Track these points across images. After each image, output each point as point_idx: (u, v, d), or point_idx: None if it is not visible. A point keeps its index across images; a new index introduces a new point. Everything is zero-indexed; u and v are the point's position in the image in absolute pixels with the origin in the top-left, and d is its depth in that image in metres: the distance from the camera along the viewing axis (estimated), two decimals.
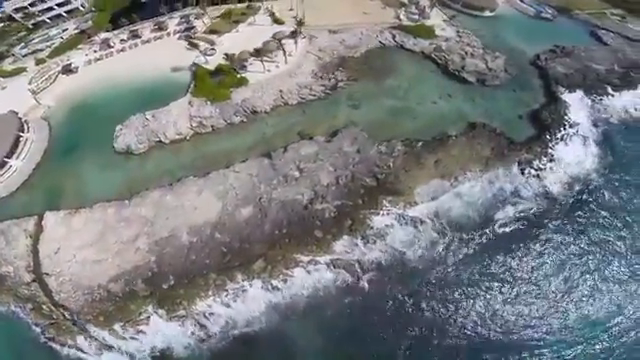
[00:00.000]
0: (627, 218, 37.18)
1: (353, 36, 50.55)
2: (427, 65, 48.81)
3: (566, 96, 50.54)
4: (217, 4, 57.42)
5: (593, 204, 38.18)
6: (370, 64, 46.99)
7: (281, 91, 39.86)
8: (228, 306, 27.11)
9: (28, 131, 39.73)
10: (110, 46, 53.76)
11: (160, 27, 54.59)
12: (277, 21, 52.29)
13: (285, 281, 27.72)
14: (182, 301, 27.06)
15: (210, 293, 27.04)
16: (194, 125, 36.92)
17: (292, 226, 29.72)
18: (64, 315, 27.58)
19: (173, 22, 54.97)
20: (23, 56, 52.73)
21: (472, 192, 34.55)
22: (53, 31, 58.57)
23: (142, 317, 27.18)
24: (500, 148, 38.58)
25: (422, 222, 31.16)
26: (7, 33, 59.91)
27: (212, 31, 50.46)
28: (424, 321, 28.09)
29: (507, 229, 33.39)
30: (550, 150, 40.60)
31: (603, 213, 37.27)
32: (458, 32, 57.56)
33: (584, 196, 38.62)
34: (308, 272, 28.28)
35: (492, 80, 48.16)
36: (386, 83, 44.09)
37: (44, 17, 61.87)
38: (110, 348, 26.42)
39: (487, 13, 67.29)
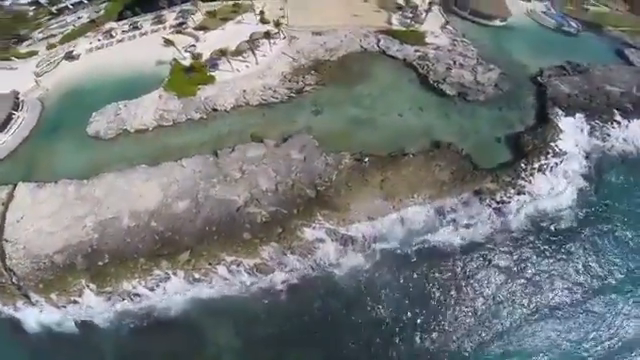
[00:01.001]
0: (586, 272, 31.37)
1: (335, 39, 47.44)
2: (406, 74, 44.47)
3: (561, 120, 44.12)
4: (211, 0, 55.46)
5: (553, 248, 32.63)
6: (345, 69, 43.79)
7: (244, 91, 38.62)
8: (151, 290, 27.66)
9: (22, 110, 42.08)
10: (112, 36, 55.11)
11: (160, 20, 55.06)
12: (263, 21, 50.04)
13: (206, 275, 27.56)
14: (111, 279, 27.87)
15: (137, 276, 27.63)
16: (157, 117, 37.08)
17: (222, 225, 29.22)
18: (11, 279, 29.17)
19: (172, 16, 54.94)
20: (39, 40, 55.91)
21: (416, 218, 31.04)
22: (69, 18, 61.37)
23: (76, 289, 28.32)
24: (461, 173, 34.22)
25: (354, 242, 29.24)
26: (32, 17, 62.68)
27: (201, 27, 49.83)
28: (333, 338, 26.64)
29: (448, 262, 30.08)
30: (521, 181, 35.36)
31: (560, 260, 31.78)
32: (454, 40, 52.06)
33: (546, 236, 33.20)
34: (230, 271, 27.85)
35: (476, 95, 42.90)
36: (356, 90, 40.89)
37: (67, 3, 64.92)
38: (43, 313, 27.75)
39: (497, 23, 60.31)
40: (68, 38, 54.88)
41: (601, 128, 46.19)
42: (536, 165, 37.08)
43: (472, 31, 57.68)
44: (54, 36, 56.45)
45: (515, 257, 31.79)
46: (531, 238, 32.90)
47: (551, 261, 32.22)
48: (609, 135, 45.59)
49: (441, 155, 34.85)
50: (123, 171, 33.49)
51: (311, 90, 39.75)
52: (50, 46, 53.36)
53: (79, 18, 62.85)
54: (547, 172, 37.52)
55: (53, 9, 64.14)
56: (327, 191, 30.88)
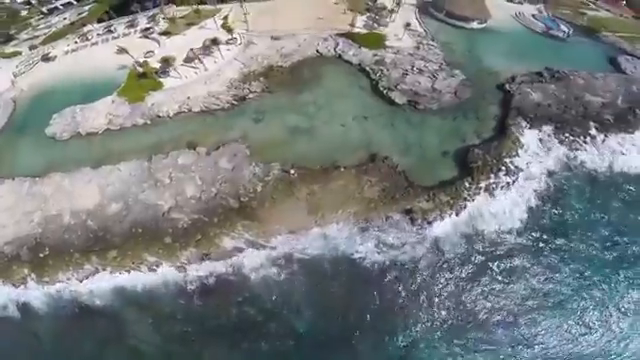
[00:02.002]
0: (514, 304, 28.15)
1: (293, 44, 44.79)
2: (358, 80, 41.45)
3: (523, 132, 39.49)
4: (182, 4, 53.61)
5: (483, 272, 29.53)
6: (296, 75, 41.27)
7: (189, 98, 37.47)
8: (81, 281, 28.68)
9: None
10: (87, 39, 56.54)
11: (132, 24, 53.92)
12: (224, 26, 47.92)
13: (130, 273, 28.20)
14: (49, 270, 29.05)
15: (71, 268, 28.77)
16: (106, 122, 36.79)
17: (147, 228, 29.41)
18: None
19: (143, 21, 53.75)
20: (24, 40, 56.82)
21: (339, 234, 29.23)
22: (54, 19, 62.30)
23: (19, 277, 29.44)
24: (393, 190, 31.44)
25: (272, 252, 28.27)
26: (25, 17, 63.18)
27: (165, 32, 48.44)
28: (243, 342, 26.17)
29: (367, 279, 28.14)
30: (462, 201, 32.04)
31: (487, 286, 28.78)
32: (419, 43, 47.70)
33: (480, 259, 29.98)
34: (151, 270, 28.15)
35: (428, 103, 39.13)
36: (301, 97, 38.51)
37: (57, 4, 65.06)
38: None
39: (474, 25, 55.02)
40: (49, 39, 55.13)
41: (571, 143, 41.31)
42: (483, 184, 33.51)
43: (445, 34, 53.59)
44: (37, 37, 59.21)
45: (441, 279, 29.11)
46: (462, 260, 29.89)
47: (478, 286, 29.16)
48: (579, 151, 40.71)
49: (374, 170, 32.33)
50: (70, 172, 33.91)
51: (255, 97, 38.09)
52: (32, 47, 53.84)
53: (64, 19, 64.36)
54: (496, 191, 33.82)
55: (44, 9, 65.53)
56: (250, 202, 29.86)
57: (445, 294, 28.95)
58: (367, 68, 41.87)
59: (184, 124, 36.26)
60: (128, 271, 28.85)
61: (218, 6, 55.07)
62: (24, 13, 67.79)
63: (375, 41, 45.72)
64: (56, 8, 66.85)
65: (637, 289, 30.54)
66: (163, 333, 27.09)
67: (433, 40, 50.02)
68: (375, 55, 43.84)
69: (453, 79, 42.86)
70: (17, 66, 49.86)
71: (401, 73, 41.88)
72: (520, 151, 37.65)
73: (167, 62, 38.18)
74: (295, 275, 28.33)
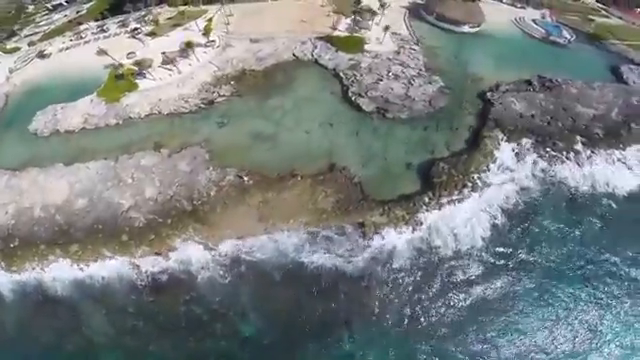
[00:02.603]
0: (460, 324, 26.65)
1: (271, 47, 43.78)
2: (331, 85, 39.90)
3: (499, 145, 36.66)
4: (168, 4, 53.71)
5: (433, 288, 28.20)
6: (268, 79, 40.30)
7: (160, 100, 37.51)
8: (43, 271, 29.71)
9: None
10: (82, 37, 58.09)
11: (124, 24, 54.35)
12: (206, 28, 47.38)
13: (88, 266, 29.07)
14: (17, 260, 30.22)
15: (36, 259, 29.86)
16: (83, 121, 37.40)
17: (107, 225, 30.08)
18: None
19: (134, 21, 53.46)
20: (25, 37, 58.70)
21: (288, 242, 28.60)
22: (56, 16, 63.70)
23: None
24: (347, 202, 30.12)
25: (220, 255, 28.38)
26: (29, 13, 65.39)
27: (151, 33, 48.47)
28: (187, 338, 26.47)
29: (311, 288, 27.47)
30: (420, 217, 30.19)
31: (435, 302, 27.50)
32: (401, 48, 45.45)
33: (432, 277, 28.60)
34: (108, 265, 28.81)
35: (398, 112, 37.13)
36: (269, 102, 37.59)
37: (61, 0, 68.21)
38: None
39: (466, 29, 52.14)
40: (47, 36, 56.56)
41: (551, 158, 37.96)
42: (445, 200, 31.45)
43: (433, 38, 50.97)
44: (38, 33, 60.81)
45: (386, 292, 27.91)
46: (411, 275, 28.49)
47: (422, 301, 27.79)
48: (560, 167, 37.43)
49: (331, 180, 31.12)
50: (45, 167, 34.82)
51: (224, 101, 37.59)
52: (31, 43, 55.29)
53: (65, 16, 66.31)
54: (458, 208, 31.66)
55: (49, 5, 67.36)
56: (202, 206, 29.73)
57: (389, 307, 27.62)
58: (341, 73, 40.26)
59: (153, 126, 36.37)
60: (87, 264, 29.58)
61: (205, 7, 54.60)
62: (31, 8, 70.92)
63: (354, 45, 43.98)
64: (60, 4, 68.93)
65: (598, 317, 28.27)
66: (115, 325, 27.54)
67: (417, 44, 47.85)
68: (351, 59, 42.21)
69: (430, 86, 40.53)
70: (15, 62, 52.33)
71: (375, 79, 40.07)
72: (492, 166, 35.12)
73: (140, 65, 38.66)
74: (241, 278, 28.02)
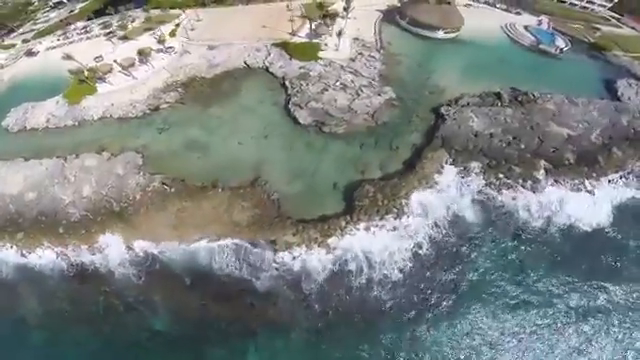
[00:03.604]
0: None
1: (225, 54, 44.29)
2: (275, 95, 39.58)
3: (442, 168, 34.70)
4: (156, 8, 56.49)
5: (336, 314, 28.44)
6: (214, 87, 40.92)
7: (112, 104, 39.91)
8: None
9: None
10: (67, 37, 64.37)
11: (106, 26, 57.65)
12: (170, 33, 49.40)
13: (30, 253, 32.91)
14: None
15: None
16: (46, 121, 41.04)
17: (49, 217, 33.38)
18: None
19: (115, 23, 56.53)
20: (22, 34, 63.20)
21: (199, 250, 30.25)
22: (53, 14, 68.67)
23: None
24: (262, 218, 30.35)
25: (137, 255, 31.22)
26: (31, 10, 70.82)
27: (124, 37, 51.39)
28: (104, 326, 29.40)
29: (217, 297, 29.17)
30: (333, 241, 29.89)
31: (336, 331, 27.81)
32: (359, 54, 43.97)
33: (338, 304, 28.78)
34: (45, 254, 32.82)
35: (336, 126, 36.03)
36: (209, 111, 38.30)
37: None
38: None
39: (440, 34, 49.82)
40: (40, 35, 60.59)
41: (502, 186, 34.95)
42: (363, 225, 30.44)
43: (402, 44, 49.12)
44: (33, 31, 64.48)
45: (294, 312, 28.60)
46: (316, 298, 28.93)
47: (329, 326, 28.21)
48: (511, 197, 34.54)
49: (250, 195, 31.38)
50: (7, 161, 38.58)
51: (168, 108, 39.00)
52: (25, 40, 59.53)
53: (61, 14, 73.26)
54: (378, 234, 30.72)
55: (50, 3, 72.47)
56: (128, 208, 31.72)
57: (293, 325, 28.08)
58: (287, 82, 39.74)
59: (102, 129, 38.64)
60: (29, 251, 32.95)
61: (179, 12, 56.10)
62: (36, 4, 78.64)
63: (308, 52, 43.11)
64: (61, 2, 73.13)
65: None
66: (43, 307, 30.93)
67: (380, 51, 46.21)
68: (302, 68, 41.35)
69: (378, 98, 38.73)
70: (6, 58, 58.22)
71: (321, 89, 38.90)
72: (428, 191, 33.17)
73: (97, 70, 41.63)
74: (154, 278, 29.99)
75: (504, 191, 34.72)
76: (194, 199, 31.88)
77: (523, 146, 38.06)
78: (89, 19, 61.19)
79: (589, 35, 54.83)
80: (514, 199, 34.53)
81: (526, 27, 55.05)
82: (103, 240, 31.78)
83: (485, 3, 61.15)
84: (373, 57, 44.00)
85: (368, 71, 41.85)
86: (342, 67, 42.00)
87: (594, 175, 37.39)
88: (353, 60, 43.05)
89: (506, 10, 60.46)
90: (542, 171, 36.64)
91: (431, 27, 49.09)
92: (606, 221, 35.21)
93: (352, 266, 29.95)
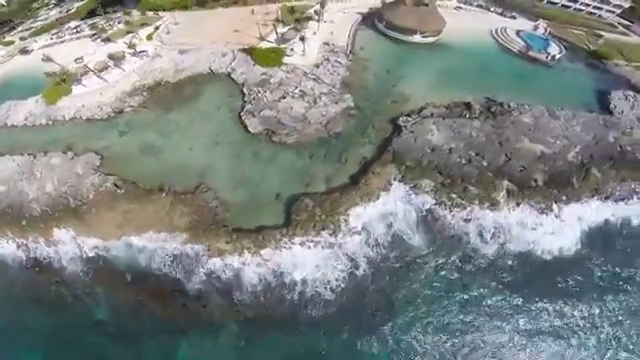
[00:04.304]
0: None
1: (193, 58, 47.12)
2: (232, 102, 41.81)
3: (389, 185, 35.02)
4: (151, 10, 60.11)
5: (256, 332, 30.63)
6: (178, 92, 43.80)
7: (83, 106, 43.83)
8: None
9: None
10: (59, 36, 71.80)
11: (94, 27, 61.99)
12: (148, 37, 53.27)
13: None
14: None
15: None
16: (24, 119, 45.34)
17: (14, 210, 37.31)
18: None
19: (102, 24, 60.98)
20: (21, 31, 69.22)
21: (139, 250, 33.67)
22: (52, 12, 75.99)
23: None
24: (200, 224, 33.02)
25: (85, 251, 34.84)
26: (34, 7, 77.32)
27: (106, 38, 55.80)
28: (53, 313, 33.18)
29: (155, 292, 32.33)
30: (267, 252, 31.74)
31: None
32: (325, 60, 45.30)
33: (272, 321, 30.65)
34: (7, 244, 37.10)
35: (287, 135, 37.56)
36: (168, 116, 41.20)
37: None
38: None
39: (417, 38, 50.40)
40: (36, 33, 66.37)
41: (453, 207, 34.63)
42: (298, 239, 31.92)
43: (376, 48, 50.16)
44: (32, 29, 71.84)
45: (221, 317, 31.15)
46: (247, 308, 31.15)
47: (252, 338, 30.47)
48: (463, 220, 34.13)
49: (190, 200, 33.82)
50: None
51: (131, 111, 42.43)
52: (22, 38, 65.20)
53: (60, 12, 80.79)
54: (313, 250, 32.13)
55: (53, 0, 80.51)
56: (82, 206, 35.34)
57: (220, 329, 30.98)
58: (245, 89, 41.81)
59: (72, 129, 42.61)
60: None
61: (161, 15, 60.07)
62: (39, 0, 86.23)
63: (273, 57, 44.85)
64: (62, 0, 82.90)
65: None
66: (4, 293, 35.32)
67: (350, 55, 47.29)
68: (264, 74, 43.17)
69: (335, 106, 39.89)
70: (3, 56, 64.09)
71: (278, 96, 40.53)
72: (371, 208, 33.90)
73: (68, 74, 46.02)
74: (99, 273, 33.67)
75: (456, 212, 34.66)
76: (140, 201, 35.02)
77: (486, 164, 37.70)
78: (82, 19, 66.72)
79: (590, 42, 52.51)
80: (466, 222, 34.41)
81: (518, 32, 53.63)
82: (58, 235, 35.69)
83: (478, 6, 60.05)
84: (339, 63, 45.19)
85: (330, 78, 43.09)
86: (305, 73, 43.48)
87: (564, 198, 36.56)
88: (317, 66, 44.47)
89: (500, 14, 59.18)
90: (503, 192, 36.21)
91: (408, 31, 49.38)
92: (570, 249, 34.59)
93: (284, 280, 31.58)
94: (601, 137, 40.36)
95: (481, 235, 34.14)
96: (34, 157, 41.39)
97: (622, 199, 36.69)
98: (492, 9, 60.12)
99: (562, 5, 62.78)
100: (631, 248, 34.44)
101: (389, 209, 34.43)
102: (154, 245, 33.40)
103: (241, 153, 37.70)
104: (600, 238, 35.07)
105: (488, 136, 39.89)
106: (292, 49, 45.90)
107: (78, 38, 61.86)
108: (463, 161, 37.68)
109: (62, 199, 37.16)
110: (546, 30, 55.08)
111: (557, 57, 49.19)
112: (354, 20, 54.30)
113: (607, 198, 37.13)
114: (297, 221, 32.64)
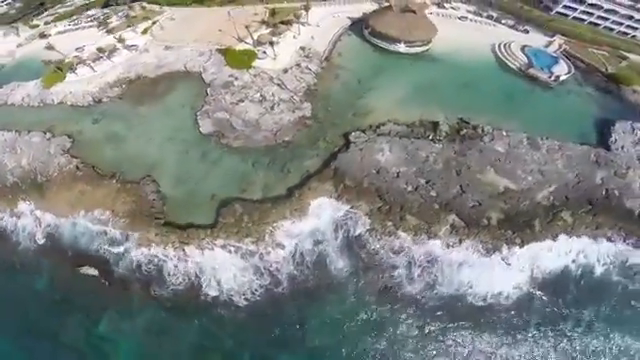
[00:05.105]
0: None
1: (174, 55, 52.47)
2: (197, 101, 45.97)
3: (322, 204, 36.19)
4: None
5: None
6: (153, 87, 49.11)
7: (70, 92, 50.88)
8: None
9: None
10: (76, 24, 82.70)
11: (108, 16, 72.32)
12: (144, 31, 59.60)
13: None
14: None
15: None
16: (21, 99, 53.37)
17: None
18: None
19: (114, 15, 71.10)
20: (48, 15, 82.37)
21: (84, 230, 39.11)
22: (76, 0, 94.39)
23: None
24: (137, 214, 37.89)
25: (41, 225, 40.97)
26: None
27: (110, 30, 63.94)
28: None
29: (87, 277, 37.33)
30: (189, 250, 35.45)
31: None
32: (295, 66, 47.87)
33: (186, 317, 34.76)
34: None
35: (234, 139, 40.82)
36: (138, 109, 46.49)
37: None
38: None
39: (401, 48, 50.93)
40: (58, 18, 77.68)
41: (389, 236, 35.04)
42: (220, 242, 34.95)
43: (356, 56, 51.81)
44: (56, 14, 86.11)
45: (139, 309, 35.75)
46: (166, 301, 35.19)
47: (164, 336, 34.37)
48: (394, 250, 34.53)
49: (134, 190, 38.59)
50: None
51: (108, 101, 48.79)
52: (46, 23, 77.10)
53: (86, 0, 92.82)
54: (230, 256, 35.08)
55: None
56: (46, 183, 41.72)
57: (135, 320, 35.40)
58: (208, 90, 45.83)
59: (57, 112, 49.72)
60: None
61: (165, 9, 67.23)
62: None
63: (244, 59, 48.32)
64: None
65: None
66: None
67: (324, 62, 49.58)
68: (231, 76, 46.81)
69: (291, 114, 42.21)
70: (26, 38, 76.90)
71: (238, 99, 43.85)
72: (300, 224, 35.80)
73: (61, 63, 54.40)
74: (46, 246, 39.98)
75: (387, 242, 35.19)
76: (93, 185, 40.58)
77: (434, 194, 37.45)
78: (103, 7, 76.95)
79: (610, 64, 48.68)
80: (395, 253, 34.80)
81: (523, 47, 51.51)
82: (21, 206, 42.34)
83: (488, 17, 58.26)
84: (309, 69, 47.52)
85: (294, 84, 45.56)
86: (271, 78, 46.46)
87: (518, 241, 35.38)
88: (286, 71, 47.19)
89: (512, 27, 56.84)
90: (447, 227, 35.90)
91: (391, 39, 49.98)
92: (509, 298, 33.68)
93: (201, 278, 35.02)
94: (586, 176, 37.98)
95: (409, 270, 34.31)
96: (19, 134, 49.32)
97: (590, 246, 35.00)
98: (503, 21, 58.03)
99: (590, 22, 58.52)
100: (584, 304, 32.54)
101: (318, 228, 35.83)
102: (95, 227, 38.58)
103: (190, 151, 41.68)
104: (550, 289, 33.64)
105: (447, 163, 39.54)
106: (264, 52, 48.98)
107: (91, 27, 71.31)
108: (409, 188, 37.68)
109: (31, 174, 44.07)
110: (560, 47, 52.12)
111: (562, 78, 46.48)
112: (342, 25, 56.14)
113: (572, 244, 35.12)
114: (222, 224, 35.55)
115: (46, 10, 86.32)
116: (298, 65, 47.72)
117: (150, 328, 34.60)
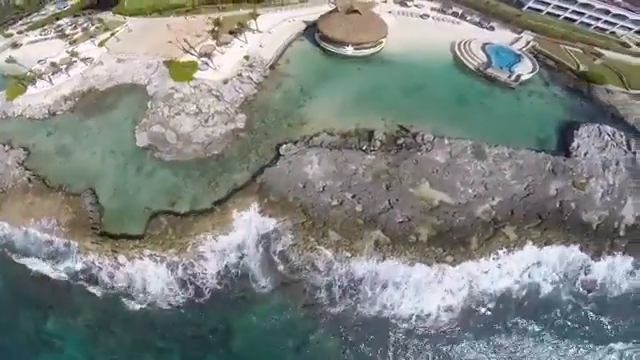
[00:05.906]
0: None
1: (124, 68, 56.97)
2: (138, 114, 50.38)
3: (245, 218, 39.69)
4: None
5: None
6: (102, 100, 54.21)
7: (29, 106, 56.32)
8: None
9: None
10: (46, 34, 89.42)
11: (75, 26, 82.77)
12: (100, 43, 65.39)
13: None
14: None
15: None
16: None
17: None
18: None
19: (81, 25, 77.75)
20: (21, 25, 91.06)
21: (33, 236, 44.84)
22: (50, 8, 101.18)
23: None
24: (77, 224, 42.80)
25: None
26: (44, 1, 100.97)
27: (73, 41, 70.09)
28: None
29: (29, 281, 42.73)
30: (120, 258, 40.33)
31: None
32: (237, 76, 51.15)
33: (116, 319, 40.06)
34: None
35: (167, 153, 44.87)
36: (86, 122, 51.81)
37: None
38: None
39: (349, 51, 52.78)
40: (31, 27, 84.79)
41: (310, 251, 37.69)
42: (147, 252, 39.22)
43: (304, 62, 54.32)
44: (29, 23, 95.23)
45: (75, 310, 41.24)
46: (101, 303, 40.48)
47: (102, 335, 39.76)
48: (309, 269, 37.44)
49: (75, 202, 43.70)
50: None
51: (62, 114, 54.11)
52: (19, 32, 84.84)
53: (59, 9, 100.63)
54: (155, 265, 39.30)
55: None
56: (2, 194, 47.48)
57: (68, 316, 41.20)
58: (149, 103, 50.13)
59: (17, 125, 55.43)
60: None
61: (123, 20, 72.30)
62: None
63: (185, 71, 52.10)
64: None
65: None
66: None
67: (267, 71, 52.69)
68: (172, 88, 50.60)
69: (224, 127, 45.73)
70: None
71: (174, 112, 47.70)
72: (221, 238, 39.48)
73: (21, 77, 60.13)
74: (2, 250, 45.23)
75: (309, 258, 38.19)
76: (42, 197, 45.89)
77: (359, 209, 39.50)
78: (74, 16, 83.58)
79: (582, 61, 47.97)
80: (316, 271, 37.96)
81: (484, 45, 51.65)
82: None
83: (453, 14, 58.41)
84: (250, 79, 50.57)
85: (232, 96, 48.82)
86: (210, 90, 49.99)
87: (449, 260, 36.75)
88: (225, 82, 50.52)
89: (478, 24, 56.74)
90: (370, 244, 37.70)
91: (338, 42, 51.71)
92: (439, 319, 35.47)
93: (131, 285, 40.32)
94: (538, 187, 38.28)
95: (329, 289, 36.83)
96: None
97: (535, 264, 35.66)
98: (469, 18, 57.98)
99: (565, 18, 57.17)
100: (523, 331, 33.67)
101: (242, 242, 39.54)
102: (41, 235, 44.02)
103: (128, 164, 46.24)
104: (486, 311, 35.13)
105: (377, 175, 41.46)
106: (206, 63, 52.45)
107: (59, 37, 77.92)
108: (334, 202, 39.99)
109: None
110: (528, 44, 51.74)
111: (525, 77, 46.49)
112: (296, 31, 58.48)
113: (514, 263, 35.85)
114: (150, 235, 40.05)
115: (21, 19, 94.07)
116: (240, 75, 50.77)
117: (89, 324, 40.87)
